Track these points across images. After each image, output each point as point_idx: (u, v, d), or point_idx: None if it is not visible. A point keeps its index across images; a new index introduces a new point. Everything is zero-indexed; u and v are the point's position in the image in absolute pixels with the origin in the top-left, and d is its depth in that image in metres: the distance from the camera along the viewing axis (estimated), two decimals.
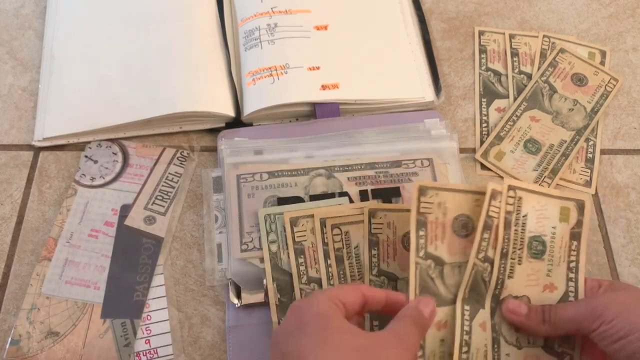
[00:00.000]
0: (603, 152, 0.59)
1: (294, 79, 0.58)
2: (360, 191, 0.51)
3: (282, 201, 0.50)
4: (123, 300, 0.49)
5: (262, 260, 0.47)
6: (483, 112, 0.60)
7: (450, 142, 0.55)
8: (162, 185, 0.54)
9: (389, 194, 0.51)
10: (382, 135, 0.55)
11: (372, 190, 0.51)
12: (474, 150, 0.58)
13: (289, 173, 0.50)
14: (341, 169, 0.51)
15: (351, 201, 0.50)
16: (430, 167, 0.52)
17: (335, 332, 0.36)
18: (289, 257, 0.46)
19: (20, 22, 0.64)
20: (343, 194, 0.50)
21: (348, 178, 0.51)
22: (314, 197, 0.50)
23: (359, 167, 0.51)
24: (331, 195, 0.50)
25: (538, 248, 0.44)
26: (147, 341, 0.48)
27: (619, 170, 0.58)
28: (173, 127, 0.57)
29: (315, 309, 0.37)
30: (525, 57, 0.63)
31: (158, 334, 0.48)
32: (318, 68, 0.59)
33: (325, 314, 0.37)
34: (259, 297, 0.48)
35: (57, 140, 0.56)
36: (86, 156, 0.55)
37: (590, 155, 0.58)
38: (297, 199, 0.50)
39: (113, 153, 0.56)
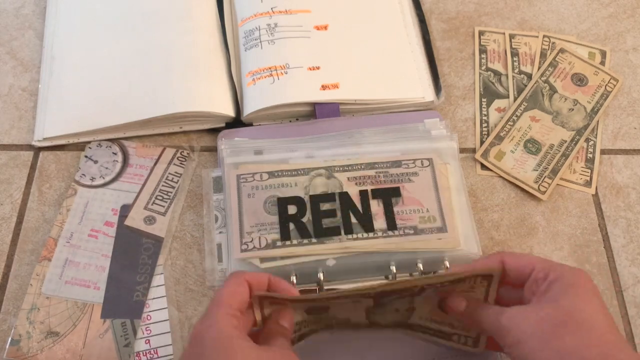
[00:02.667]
0: (603, 152, 0.59)
1: (294, 79, 0.58)
2: (360, 191, 0.51)
3: (282, 201, 0.50)
4: (123, 300, 0.49)
5: (262, 260, 0.47)
6: (483, 112, 0.60)
7: (450, 142, 0.55)
8: (162, 185, 0.54)
9: (389, 194, 0.51)
10: (382, 135, 0.55)
11: (372, 190, 0.51)
12: (474, 150, 0.58)
13: (289, 173, 0.50)
14: (341, 168, 0.51)
15: (351, 202, 0.50)
16: (430, 167, 0.52)
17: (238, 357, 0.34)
18: None
19: (20, 22, 0.64)
20: (343, 194, 0.50)
21: (348, 178, 0.51)
22: (314, 197, 0.50)
23: (359, 167, 0.51)
24: (331, 196, 0.50)
25: None
26: (147, 341, 0.48)
27: (619, 170, 0.58)
28: (173, 127, 0.57)
29: (215, 332, 0.36)
30: (525, 57, 0.63)
31: (158, 334, 0.48)
32: (318, 68, 0.59)
33: (226, 336, 0.35)
34: None
35: (57, 140, 0.56)
36: (86, 156, 0.55)
37: (591, 155, 0.58)
38: (297, 199, 0.50)
39: (113, 153, 0.56)
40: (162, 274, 0.50)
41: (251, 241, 0.48)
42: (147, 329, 0.48)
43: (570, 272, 0.38)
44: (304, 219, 0.49)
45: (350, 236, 0.49)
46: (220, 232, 0.51)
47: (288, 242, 0.48)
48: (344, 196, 0.50)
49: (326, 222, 0.49)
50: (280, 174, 0.50)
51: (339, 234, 0.49)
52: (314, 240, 0.48)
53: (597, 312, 0.36)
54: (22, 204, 0.54)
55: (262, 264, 0.47)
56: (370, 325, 0.44)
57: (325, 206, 0.50)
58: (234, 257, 0.48)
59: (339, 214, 0.49)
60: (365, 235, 0.49)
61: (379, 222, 0.50)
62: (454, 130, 0.59)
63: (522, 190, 0.56)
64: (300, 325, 0.43)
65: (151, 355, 0.47)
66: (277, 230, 0.48)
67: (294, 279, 0.47)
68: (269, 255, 0.48)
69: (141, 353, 0.47)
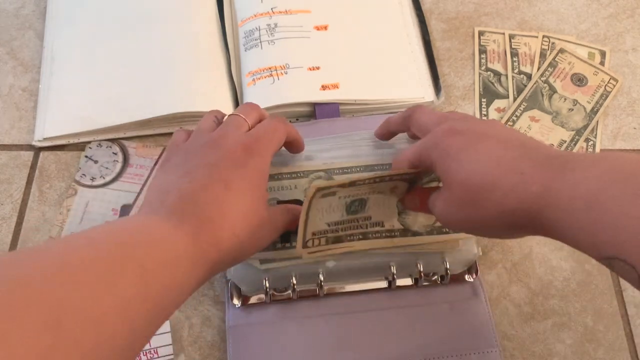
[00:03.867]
0: (603, 152, 0.59)
1: (294, 79, 0.58)
2: None
3: (282, 203, 0.49)
4: None
5: (262, 261, 0.47)
6: (483, 112, 0.60)
7: None
8: None
9: None
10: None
11: None
12: None
13: (289, 176, 0.50)
14: (340, 171, 0.50)
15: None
16: None
17: (258, 195, 0.39)
18: None
19: (20, 23, 0.64)
20: None
21: None
22: None
23: (358, 169, 0.50)
24: None
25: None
26: None
27: None
28: (173, 127, 0.57)
29: (262, 159, 0.40)
30: (525, 58, 0.63)
31: (158, 334, 0.48)
32: (318, 68, 0.59)
33: (266, 167, 0.40)
34: (259, 297, 0.48)
35: (57, 140, 0.56)
36: (86, 156, 0.55)
37: None
38: (297, 202, 0.49)
39: (113, 153, 0.56)
40: None
41: None
42: None
43: (431, 144, 0.39)
44: None
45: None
46: None
47: (287, 245, 0.47)
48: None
49: None
50: (279, 176, 0.50)
51: None
52: None
53: (472, 162, 0.36)
54: (22, 204, 0.54)
55: (262, 265, 0.47)
56: (404, 231, 0.46)
57: None
58: None
59: None
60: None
61: None
62: None
63: None
64: (338, 227, 0.44)
65: (151, 355, 0.47)
66: None
67: (294, 280, 0.47)
68: (268, 257, 0.47)
69: (141, 353, 0.47)
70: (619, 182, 0.31)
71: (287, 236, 0.48)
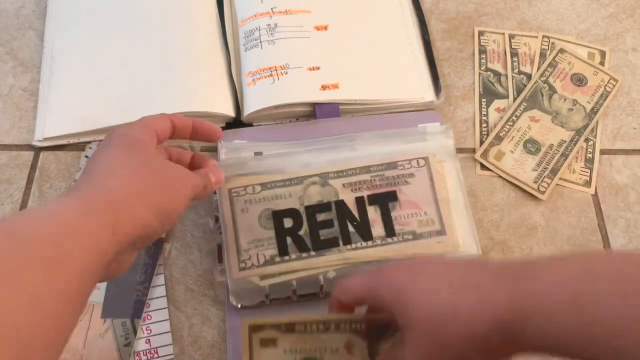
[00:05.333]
0: (602, 152, 0.59)
1: (294, 79, 0.58)
2: (357, 198, 0.50)
3: (277, 214, 0.49)
4: (123, 300, 0.49)
5: (261, 277, 0.46)
6: (483, 112, 0.60)
7: (445, 140, 0.54)
8: None
9: (386, 199, 0.50)
10: (377, 137, 0.54)
11: (368, 196, 0.50)
12: (473, 151, 0.58)
13: (283, 183, 0.49)
14: (335, 175, 0.49)
15: (347, 210, 0.49)
16: (426, 167, 0.51)
17: (136, 150, 0.39)
18: None
19: (20, 22, 0.64)
20: (339, 202, 0.49)
21: (343, 184, 0.49)
22: (309, 208, 0.49)
23: (354, 171, 0.49)
24: (327, 206, 0.49)
25: None
26: (147, 341, 0.48)
27: (619, 170, 0.58)
28: None
29: (130, 132, 0.40)
30: (525, 58, 0.63)
31: (158, 334, 0.48)
32: (318, 68, 0.59)
33: (136, 137, 0.40)
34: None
35: (57, 140, 0.56)
36: (86, 156, 0.56)
37: (590, 155, 0.58)
38: (293, 211, 0.49)
39: None
40: (162, 273, 0.51)
41: (249, 259, 0.47)
42: (148, 328, 0.48)
43: (380, 280, 0.37)
44: (301, 232, 0.48)
45: (349, 246, 0.48)
46: (220, 232, 0.51)
47: (287, 257, 0.47)
48: (340, 204, 0.49)
49: (324, 233, 0.48)
50: (273, 185, 0.49)
51: (338, 244, 0.48)
52: (312, 253, 0.48)
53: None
54: (22, 204, 0.54)
55: (262, 281, 0.46)
56: None
57: (321, 216, 0.49)
58: (232, 277, 0.47)
59: (336, 223, 0.49)
60: (364, 244, 0.48)
61: (377, 230, 0.49)
62: (454, 130, 0.59)
63: (522, 190, 0.56)
64: (308, 353, 0.40)
65: (151, 355, 0.47)
66: (274, 246, 0.47)
67: (294, 286, 0.47)
68: (268, 273, 0.47)
69: (141, 353, 0.47)
70: (599, 283, 0.30)
71: (285, 249, 0.48)
